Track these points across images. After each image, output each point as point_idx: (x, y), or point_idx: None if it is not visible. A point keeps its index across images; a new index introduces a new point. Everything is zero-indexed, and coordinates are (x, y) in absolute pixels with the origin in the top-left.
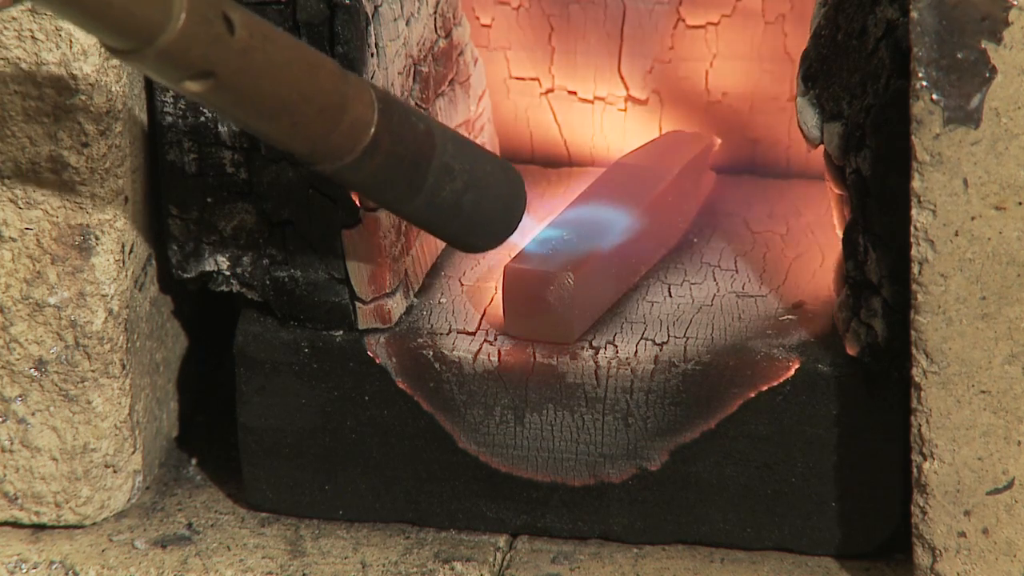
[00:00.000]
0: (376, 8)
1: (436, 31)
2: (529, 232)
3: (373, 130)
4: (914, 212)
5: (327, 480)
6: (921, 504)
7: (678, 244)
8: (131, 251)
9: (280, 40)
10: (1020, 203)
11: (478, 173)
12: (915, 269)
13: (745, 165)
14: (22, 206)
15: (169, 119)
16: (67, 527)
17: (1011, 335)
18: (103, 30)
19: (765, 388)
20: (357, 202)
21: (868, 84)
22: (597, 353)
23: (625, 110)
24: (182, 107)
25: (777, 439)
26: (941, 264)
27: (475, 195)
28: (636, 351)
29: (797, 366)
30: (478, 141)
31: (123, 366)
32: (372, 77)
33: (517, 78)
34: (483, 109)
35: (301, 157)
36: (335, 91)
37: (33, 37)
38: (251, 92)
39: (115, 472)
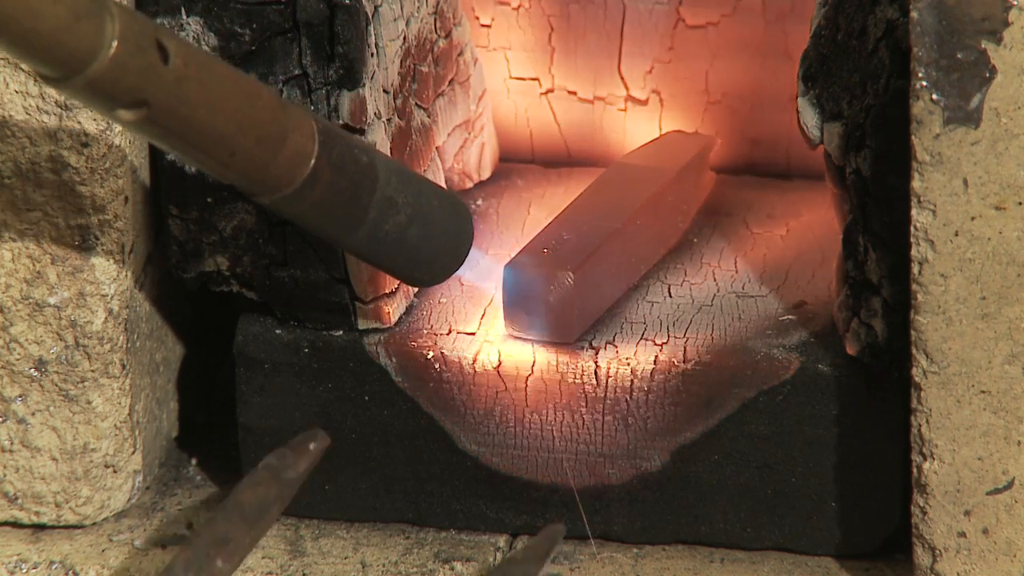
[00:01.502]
0: (376, 8)
1: (436, 31)
2: (478, 266)
3: (313, 161)
4: (914, 212)
5: (327, 480)
6: (921, 504)
7: (678, 244)
8: (131, 251)
9: (217, 69)
10: (1020, 203)
11: (423, 207)
12: (915, 269)
13: (745, 165)
14: (22, 206)
15: None
16: (67, 527)
17: (1011, 335)
18: (32, 58)
19: (765, 388)
20: None
21: (868, 84)
22: (597, 353)
23: (625, 110)
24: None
25: (777, 439)
26: (941, 264)
27: (420, 229)
28: (636, 351)
29: (797, 366)
30: (478, 141)
31: (123, 366)
32: (372, 77)
33: (517, 78)
34: (483, 109)
35: (239, 188)
36: (274, 121)
37: None
38: (186, 122)
39: (115, 472)
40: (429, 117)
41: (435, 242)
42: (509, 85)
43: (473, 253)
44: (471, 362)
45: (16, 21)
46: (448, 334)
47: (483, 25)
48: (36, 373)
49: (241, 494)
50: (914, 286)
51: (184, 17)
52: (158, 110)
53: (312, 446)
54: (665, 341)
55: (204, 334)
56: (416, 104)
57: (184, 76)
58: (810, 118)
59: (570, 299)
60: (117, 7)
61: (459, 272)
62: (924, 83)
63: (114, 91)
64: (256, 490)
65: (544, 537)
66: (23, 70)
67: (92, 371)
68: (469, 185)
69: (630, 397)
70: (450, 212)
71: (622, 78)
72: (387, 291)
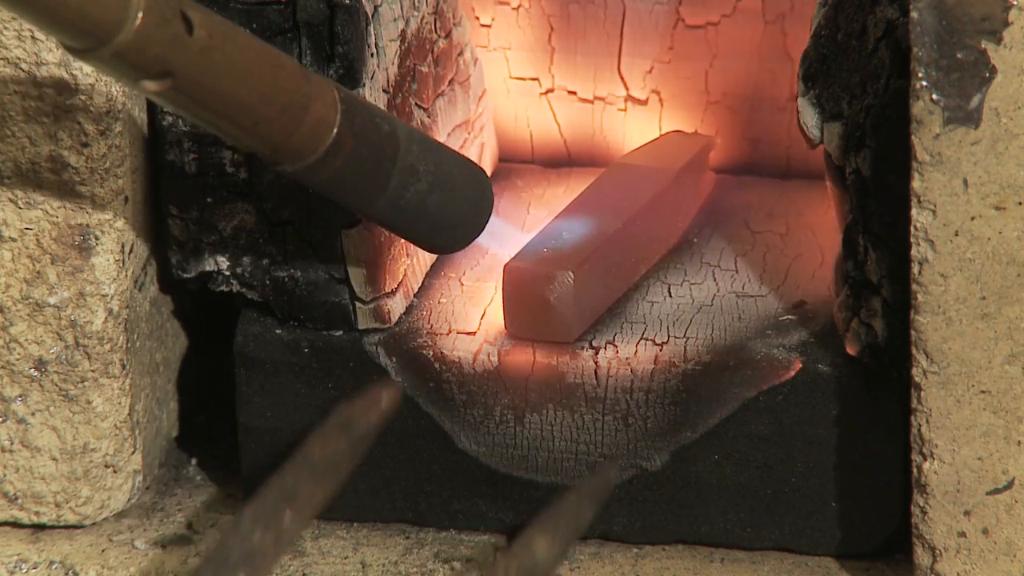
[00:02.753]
0: (376, 8)
1: (436, 31)
2: (498, 233)
3: (336, 130)
4: (914, 212)
5: None
6: (921, 504)
7: (678, 244)
8: (131, 251)
9: (240, 40)
10: (1020, 203)
11: (444, 174)
12: (915, 269)
13: (745, 165)
14: (22, 206)
15: (169, 119)
16: (67, 527)
17: (1011, 335)
18: (59, 29)
19: (765, 388)
20: None
21: (868, 84)
22: (597, 353)
23: (625, 110)
24: (174, 112)
25: (777, 439)
26: (941, 264)
27: (440, 196)
28: (636, 351)
29: (797, 366)
30: (478, 141)
31: (123, 366)
32: (372, 77)
33: (517, 78)
34: (483, 109)
35: (263, 157)
36: (297, 91)
37: (33, 37)
38: (211, 92)
39: (115, 472)
40: (429, 117)
41: (456, 209)
42: (509, 85)
43: (493, 220)
44: (471, 362)
45: None
46: (448, 334)
47: (483, 25)
48: (36, 373)
49: (310, 448)
50: (914, 286)
51: None
52: (183, 80)
53: (384, 397)
54: (665, 341)
55: (204, 334)
56: (416, 104)
57: (208, 47)
58: (810, 118)
59: (570, 299)
60: None
61: (479, 239)
62: (924, 83)
63: (140, 62)
64: (326, 444)
65: (598, 476)
66: (22, 69)
67: (92, 371)
68: None
69: (630, 397)
70: (470, 180)
71: (622, 78)
72: (387, 291)
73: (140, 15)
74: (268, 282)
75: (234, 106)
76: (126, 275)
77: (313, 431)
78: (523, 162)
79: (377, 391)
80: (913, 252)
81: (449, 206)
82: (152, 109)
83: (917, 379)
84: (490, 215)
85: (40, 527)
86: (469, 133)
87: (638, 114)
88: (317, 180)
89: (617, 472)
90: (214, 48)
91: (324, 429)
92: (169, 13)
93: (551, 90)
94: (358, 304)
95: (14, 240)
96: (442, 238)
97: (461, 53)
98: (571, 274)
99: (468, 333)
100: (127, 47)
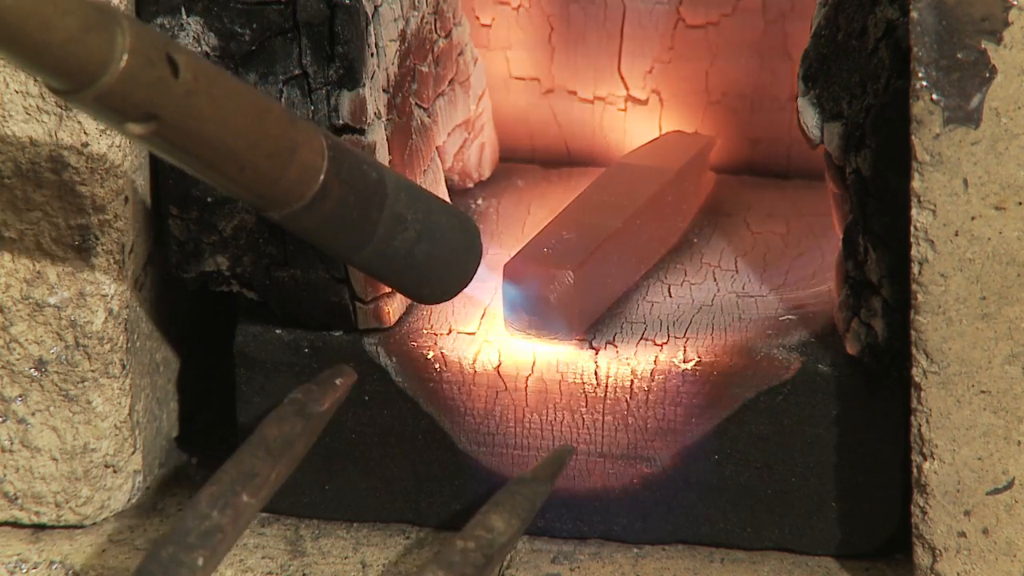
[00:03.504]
0: (376, 8)
1: (436, 31)
2: (487, 283)
3: (323, 177)
4: (914, 212)
5: (327, 480)
6: (921, 504)
7: (678, 244)
8: (131, 251)
9: (227, 84)
10: (1020, 203)
11: (432, 223)
12: (915, 269)
13: (745, 165)
14: (22, 206)
15: None
16: (67, 527)
17: (1011, 335)
18: (42, 70)
19: (765, 388)
20: None
21: (868, 84)
22: (597, 353)
23: (625, 110)
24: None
25: (777, 439)
26: (941, 264)
27: (428, 246)
28: (636, 351)
29: (797, 366)
30: (478, 141)
31: (123, 366)
32: (372, 77)
33: (517, 78)
34: (483, 109)
35: (249, 203)
36: (284, 136)
37: None
38: (196, 137)
39: (115, 472)
40: (429, 117)
41: (444, 259)
42: (509, 85)
43: (481, 271)
44: (471, 362)
45: (26, 33)
46: (448, 334)
47: (483, 25)
48: (36, 373)
49: (266, 429)
50: (914, 286)
51: (184, 17)
52: (167, 124)
53: (339, 381)
54: (665, 341)
55: (204, 334)
56: (416, 104)
57: (194, 90)
58: (810, 118)
59: (570, 298)
60: (127, 20)
61: (467, 290)
62: (924, 83)
63: (124, 104)
64: (281, 425)
65: (552, 457)
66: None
67: (92, 371)
68: (469, 185)
69: (630, 397)
70: (459, 229)
71: (622, 78)
72: (387, 291)
73: (125, 57)
74: (268, 282)
75: (219, 151)
76: (126, 275)
77: (268, 415)
78: (523, 162)
79: (332, 374)
80: (913, 252)
81: (437, 255)
82: None
83: (917, 379)
84: (478, 264)
85: (40, 527)
86: (469, 133)
87: (638, 114)
88: (303, 227)
89: (570, 454)
90: (200, 91)
91: (279, 412)
92: (155, 55)
93: (551, 90)
94: (358, 304)
95: (14, 240)
96: (430, 287)
97: (461, 53)
98: (571, 274)
99: (468, 333)
100: (111, 89)
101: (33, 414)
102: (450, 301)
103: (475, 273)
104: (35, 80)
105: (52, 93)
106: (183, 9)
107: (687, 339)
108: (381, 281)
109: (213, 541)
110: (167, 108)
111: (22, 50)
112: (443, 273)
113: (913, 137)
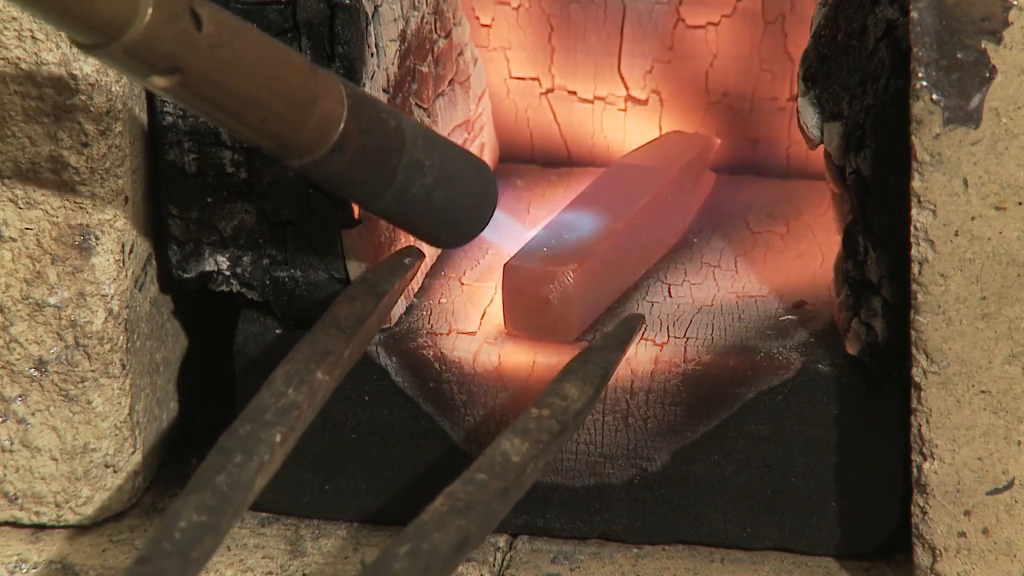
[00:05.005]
0: (376, 8)
1: (436, 31)
2: (501, 227)
3: (343, 126)
4: (914, 212)
5: (327, 480)
6: (921, 504)
7: (678, 244)
8: (131, 251)
9: (249, 36)
10: (1020, 203)
11: (449, 169)
12: (915, 269)
13: (745, 165)
14: (22, 206)
15: (169, 119)
16: (67, 527)
17: (1011, 335)
18: (69, 25)
19: (765, 388)
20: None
21: (868, 84)
22: None
23: (625, 110)
24: (182, 107)
25: (777, 439)
26: (941, 264)
27: (446, 191)
28: (636, 351)
29: (797, 366)
30: (478, 141)
31: (123, 366)
32: (372, 77)
33: (517, 78)
34: (483, 109)
35: (269, 152)
36: (304, 87)
37: (33, 37)
38: (219, 88)
39: (115, 472)
40: (429, 117)
41: (461, 204)
42: (509, 85)
43: (497, 215)
44: (471, 362)
45: None
46: (448, 334)
47: (483, 25)
48: (36, 373)
49: (337, 309)
50: (914, 286)
51: None
52: (191, 76)
53: (407, 261)
54: (665, 341)
55: (204, 334)
56: (416, 104)
57: (217, 42)
58: (810, 118)
59: (570, 298)
60: None
61: (484, 234)
62: (924, 83)
63: (149, 58)
64: (353, 304)
65: (623, 325)
66: (23, 70)
67: (92, 371)
68: None
69: (630, 397)
70: (475, 174)
71: (622, 78)
72: None
73: (150, 11)
74: (268, 282)
75: (242, 102)
76: (126, 275)
77: (340, 294)
78: (523, 162)
79: (400, 255)
80: (913, 252)
81: (454, 201)
82: (152, 109)
83: (917, 379)
84: (495, 209)
85: (40, 527)
86: (469, 133)
87: (638, 114)
88: (323, 175)
89: (641, 322)
90: (223, 44)
91: (350, 291)
92: (178, 9)
93: (551, 90)
94: None
95: (14, 240)
96: (447, 232)
97: (461, 53)
98: (571, 273)
99: (468, 333)
100: (136, 43)
101: (33, 414)
102: (450, 301)
103: (492, 217)
104: (36, 86)
105: (78, 48)
106: None
107: (687, 339)
108: (400, 227)
109: (290, 418)
110: (191, 60)
111: (50, 5)
112: (461, 218)
113: (913, 137)
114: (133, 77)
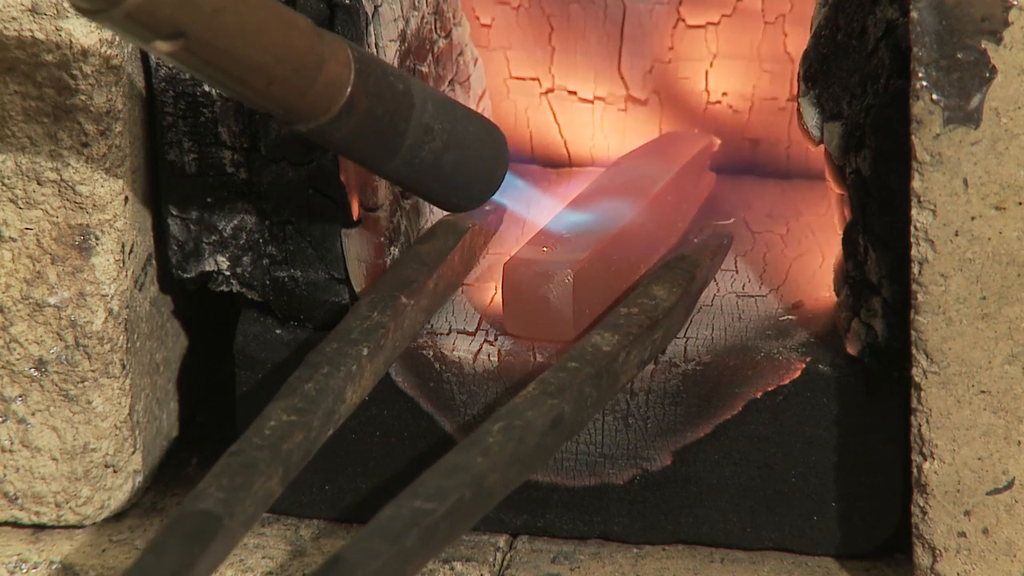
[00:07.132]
0: (376, 8)
1: (436, 31)
2: (512, 190)
3: (350, 89)
4: (914, 212)
5: (327, 480)
6: (921, 504)
7: (678, 244)
8: (131, 251)
9: (253, 0)
10: (1020, 203)
11: (459, 133)
12: (915, 269)
13: (745, 165)
14: (22, 206)
15: (169, 119)
16: (67, 527)
17: (1011, 335)
18: None
19: (766, 388)
20: (355, 203)
21: (868, 84)
22: None
23: (625, 110)
24: (182, 107)
25: (777, 439)
26: (941, 264)
27: (456, 155)
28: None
29: (797, 366)
30: None
31: (123, 366)
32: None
33: (517, 78)
34: (483, 109)
35: (276, 117)
36: (310, 50)
37: (33, 37)
38: (223, 53)
39: (115, 472)
40: None
41: (471, 167)
42: (509, 85)
43: (508, 178)
44: (471, 362)
45: None
46: (448, 334)
47: (483, 25)
48: (36, 373)
49: (418, 245)
50: (914, 286)
51: None
52: (195, 41)
53: (487, 208)
54: None
55: (204, 334)
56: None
57: (221, 7)
58: (810, 118)
59: (570, 298)
60: None
61: (494, 197)
62: (924, 83)
63: (152, 22)
64: (434, 241)
65: (711, 237)
66: (23, 70)
67: (92, 371)
68: None
69: (630, 397)
70: (486, 137)
71: (622, 78)
72: None
73: None
74: (268, 282)
75: (247, 67)
76: (126, 275)
77: (421, 234)
78: (523, 162)
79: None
80: (913, 252)
81: (464, 164)
82: (152, 109)
83: (917, 379)
84: (505, 172)
85: (40, 527)
86: None
87: (638, 114)
88: (331, 140)
89: (729, 239)
90: (226, 8)
91: (429, 231)
92: None
93: (551, 90)
94: None
95: (14, 240)
96: (458, 196)
97: (461, 53)
98: (571, 273)
99: (468, 333)
100: (139, 7)
101: (33, 414)
102: (450, 301)
103: (502, 180)
104: (36, 86)
105: (80, 13)
106: None
107: (687, 339)
108: (410, 191)
109: (376, 336)
110: (195, 25)
111: None
112: (471, 181)
113: (913, 137)
114: (136, 42)
